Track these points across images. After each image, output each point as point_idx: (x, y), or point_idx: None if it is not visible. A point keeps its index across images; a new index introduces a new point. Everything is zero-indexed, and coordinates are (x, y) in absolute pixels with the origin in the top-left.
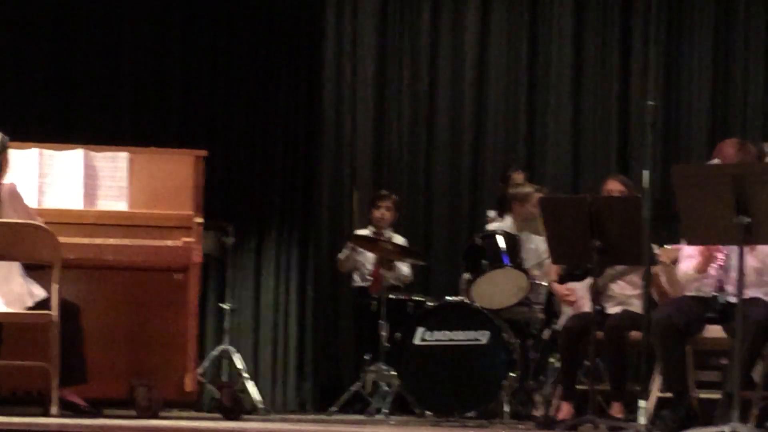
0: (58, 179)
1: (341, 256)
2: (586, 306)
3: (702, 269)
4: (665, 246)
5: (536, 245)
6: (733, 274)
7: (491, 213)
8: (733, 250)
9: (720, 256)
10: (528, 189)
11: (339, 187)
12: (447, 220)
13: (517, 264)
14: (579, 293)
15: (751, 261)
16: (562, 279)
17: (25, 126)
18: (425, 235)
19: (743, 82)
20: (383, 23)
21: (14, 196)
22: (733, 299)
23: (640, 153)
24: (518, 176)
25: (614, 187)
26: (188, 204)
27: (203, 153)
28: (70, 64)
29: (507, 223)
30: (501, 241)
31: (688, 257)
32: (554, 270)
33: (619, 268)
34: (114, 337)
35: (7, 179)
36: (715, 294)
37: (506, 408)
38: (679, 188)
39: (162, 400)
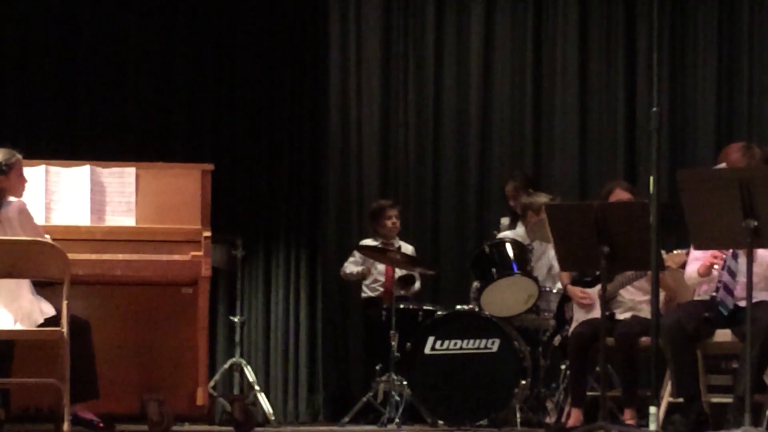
0: (66, 196)
1: (354, 270)
2: (599, 311)
3: (704, 272)
4: (674, 251)
5: (550, 253)
6: (741, 279)
7: (505, 220)
8: (737, 253)
9: (721, 256)
10: (542, 199)
11: (346, 198)
12: (455, 229)
13: (527, 271)
14: (592, 299)
15: (755, 266)
16: (573, 285)
17: (31, 143)
18: (433, 244)
19: (749, 86)
20: (387, 33)
21: (23, 214)
22: (741, 303)
23: (646, 158)
24: (508, 187)
25: (622, 196)
26: (196, 218)
27: (210, 167)
28: (75, 80)
29: (519, 231)
30: (509, 249)
31: (694, 260)
32: (566, 275)
33: (628, 274)
34: (125, 352)
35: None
36: (713, 294)
37: (518, 415)
38: (686, 193)
39: (174, 414)
